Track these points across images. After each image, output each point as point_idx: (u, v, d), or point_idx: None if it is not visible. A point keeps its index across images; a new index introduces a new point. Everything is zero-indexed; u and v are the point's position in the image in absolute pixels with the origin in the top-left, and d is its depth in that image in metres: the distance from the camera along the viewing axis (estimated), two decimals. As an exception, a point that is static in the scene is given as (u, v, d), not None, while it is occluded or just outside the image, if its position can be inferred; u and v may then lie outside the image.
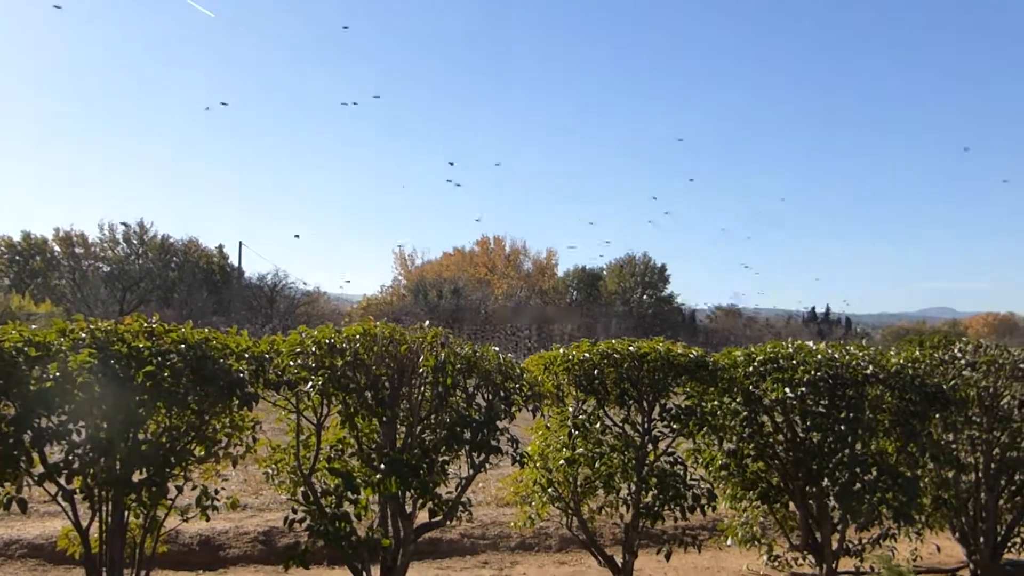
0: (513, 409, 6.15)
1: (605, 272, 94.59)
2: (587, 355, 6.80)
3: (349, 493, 5.93)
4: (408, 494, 6.05)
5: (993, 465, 7.87)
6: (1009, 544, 8.09)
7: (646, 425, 6.84)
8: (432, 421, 6.35)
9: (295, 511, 6.04)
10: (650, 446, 6.86)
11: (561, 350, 7.04)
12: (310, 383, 5.83)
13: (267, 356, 6.04)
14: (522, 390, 6.21)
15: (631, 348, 6.72)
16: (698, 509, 6.64)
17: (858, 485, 6.73)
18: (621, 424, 6.93)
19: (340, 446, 6.85)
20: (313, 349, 5.98)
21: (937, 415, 7.31)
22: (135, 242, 67.06)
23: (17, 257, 62.78)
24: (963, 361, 7.74)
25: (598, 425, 6.78)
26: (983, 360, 7.70)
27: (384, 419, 6.10)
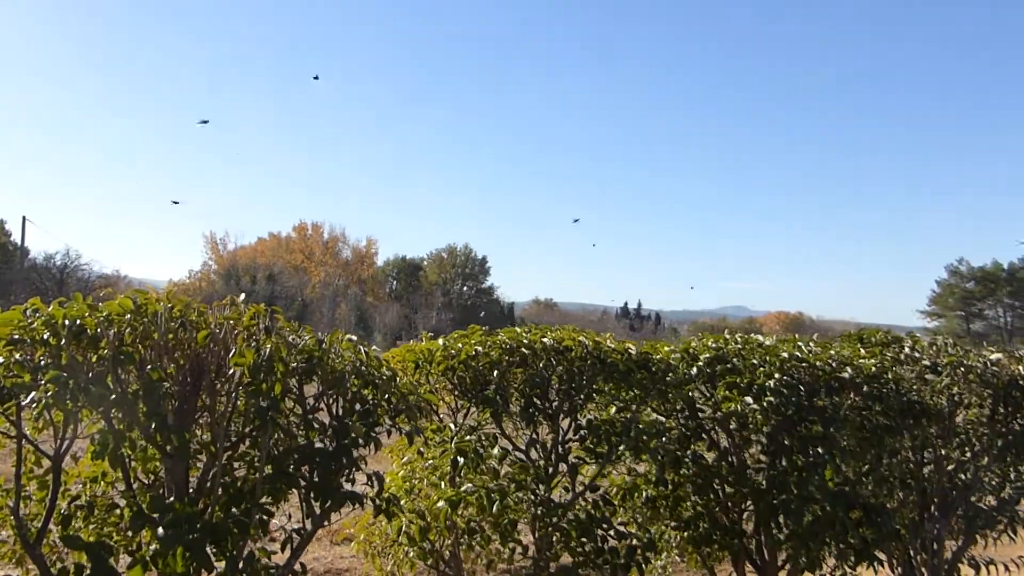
0: (378, 431, 3.95)
1: (426, 262, 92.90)
2: (480, 349, 4.71)
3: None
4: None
5: (948, 486, 6.47)
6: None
7: (560, 449, 4.84)
8: (247, 449, 4.08)
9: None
10: (565, 478, 4.87)
11: (440, 341, 4.91)
12: (32, 392, 3.40)
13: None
14: (391, 402, 4.01)
15: (545, 340, 4.69)
16: (634, 567, 4.69)
17: (834, 524, 5.04)
18: (526, 448, 4.89)
19: (102, 484, 4.48)
20: (46, 335, 3.55)
21: (905, 431, 5.77)
22: (-102, 216, 58.86)
23: None
24: (925, 363, 6.26)
25: (496, 450, 4.68)
26: (947, 361, 6.24)
27: (167, 449, 3.75)
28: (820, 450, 5.05)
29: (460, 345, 4.78)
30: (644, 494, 5.40)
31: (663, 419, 5.02)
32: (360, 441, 3.82)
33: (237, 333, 3.77)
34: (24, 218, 49.41)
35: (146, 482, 4.36)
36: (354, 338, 4.02)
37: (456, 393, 4.88)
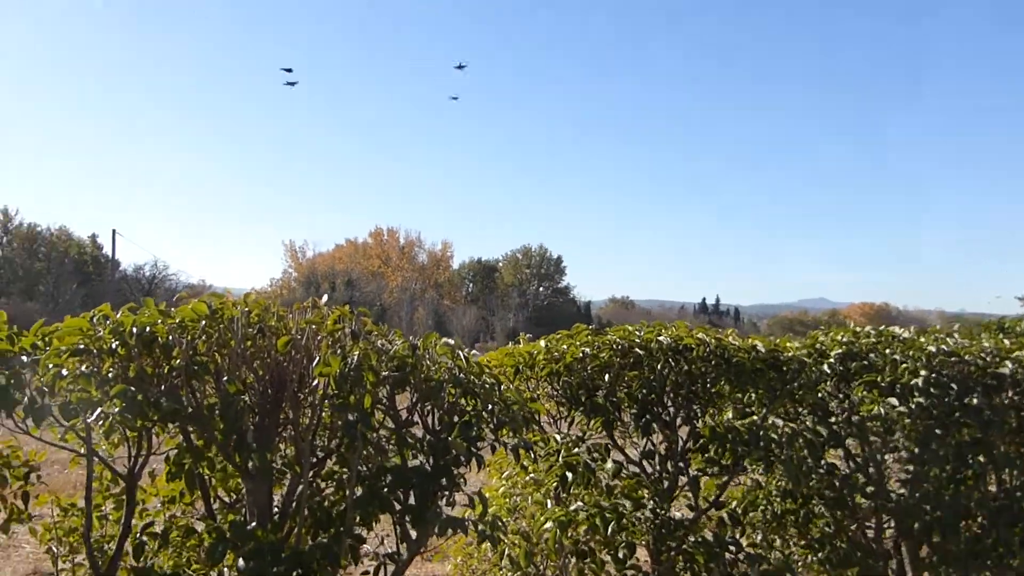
0: (481, 446, 3.48)
1: (501, 264, 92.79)
2: (587, 351, 4.21)
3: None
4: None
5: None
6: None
7: (678, 460, 4.30)
8: (334, 467, 3.66)
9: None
10: (683, 493, 4.33)
11: (542, 343, 4.42)
12: (100, 408, 3.04)
13: (29, 357, 3.26)
14: (493, 413, 3.52)
15: (662, 339, 4.15)
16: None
17: (996, 544, 4.38)
18: (639, 460, 4.37)
19: (180, 505, 4.15)
20: (114, 344, 3.19)
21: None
22: (-1, 231, 61.64)
23: None
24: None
25: (609, 464, 4.16)
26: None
27: (248, 468, 3.35)
28: (982, 458, 4.39)
29: (565, 347, 4.29)
30: (769, 509, 4.81)
31: (793, 425, 4.42)
32: (462, 459, 3.35)
33: (321, 339, 3.35)
34: (114, 231, 50.86)
35: (228, 501, 4.00)
36: (451, 341, 3.56)
37: (561, 400, 4.39)
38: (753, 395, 4.39)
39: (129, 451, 3.65)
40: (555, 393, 4.46)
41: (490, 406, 3.53)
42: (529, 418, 3.60)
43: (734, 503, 4.71)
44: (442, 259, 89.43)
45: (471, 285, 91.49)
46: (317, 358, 3.18)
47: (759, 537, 4.79)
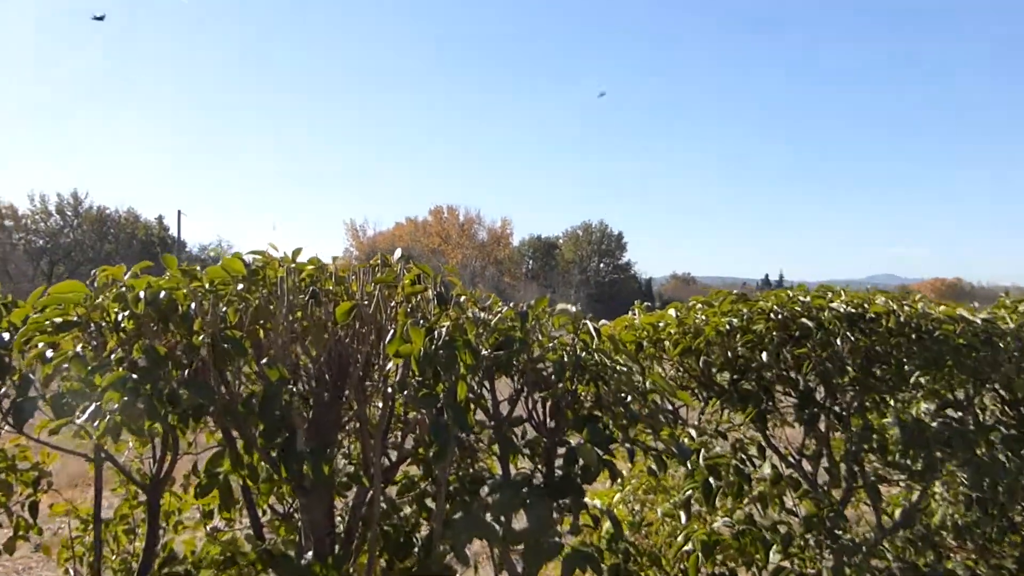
0: (614, 448, 2.54)
1: (562, 240, 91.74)
2: (734, 321, 3.24)
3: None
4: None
5: None
6: None
7: (852, 463, 3.31)
8: (414, 476, 2.79)
9: None
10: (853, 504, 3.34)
11: (671, 312, 3.46)
12: (94, 403, 2.18)
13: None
14: (629, 407, 2.57)
15: (835, 306, 3.16)
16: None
17: None
18: (797, 460, 3.39)
19: (219, 519, 3.34)
20: (117, 314, 2.34)
21: None
22: (69, 214, 62.80)
23: (-56, 230, 58.31)
24: None
25: (767, 470, 3.18)
26: None
27: (300, 480, 2.47)
28: None
29: (703, 317, 3.32)
30: (961, 517, 3.78)
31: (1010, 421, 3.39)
32: (592, 470, 2.42)
33: (395, 306, 2.46)
34: (179, 211, 51.26)
35: (281, 511, 3.16)
36: (571, 309, 2.62)
37: (698, 384, 3.42)
38: (950, 380, 3.35)
39: (153, 452, 2.83)
40: (686, 374, 3.51)
41: (623, 396, 2.60)
42: (675, 411, 2.65)
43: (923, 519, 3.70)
44: (502, 236, 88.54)
45: (531, 262, 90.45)
46: (392, 331, 2.27)
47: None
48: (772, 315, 3.21)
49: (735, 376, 3.32)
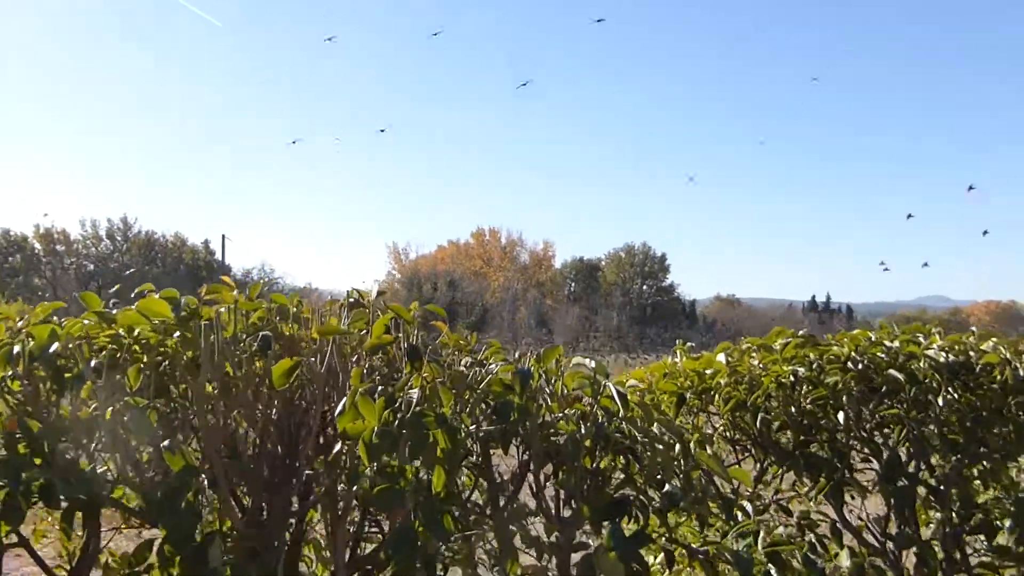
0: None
1: (604, 263, 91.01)
2: (801, 371, 2.59)
3: None
4: None
5: None
6: None
7: (951, 545, 2.63)
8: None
9: None
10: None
11: (720, 357, 2.82)
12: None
13: None
14: (669, 496, 1.94)
15: (931, 353, 2.49)
16: None
17: None
18: (882, 540, 2.72)
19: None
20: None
21: None
22: (119, 239, 64.19)
23: (-4, 254, 59.67)
24: None
25: (845, 561, 2.51)
26: None
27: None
28: None
29: (760, 363, 2.67)
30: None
31: None
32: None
33: (355, 362, 1.86)
34: (223, 236, 51.53)
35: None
36: (588, 364, 2.00)
37: (753, 444, 2.78)
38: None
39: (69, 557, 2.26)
40: (737, 432, 2.86)
41: (656, 475, 1.97)
42: (730, 498, 2.02)
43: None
44: (544, 258, 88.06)
45: (573, 284, 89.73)
46: (342, 401, 1.68)
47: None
48: (849, 364, 2.56)
49: (802, 437, 2.67)
